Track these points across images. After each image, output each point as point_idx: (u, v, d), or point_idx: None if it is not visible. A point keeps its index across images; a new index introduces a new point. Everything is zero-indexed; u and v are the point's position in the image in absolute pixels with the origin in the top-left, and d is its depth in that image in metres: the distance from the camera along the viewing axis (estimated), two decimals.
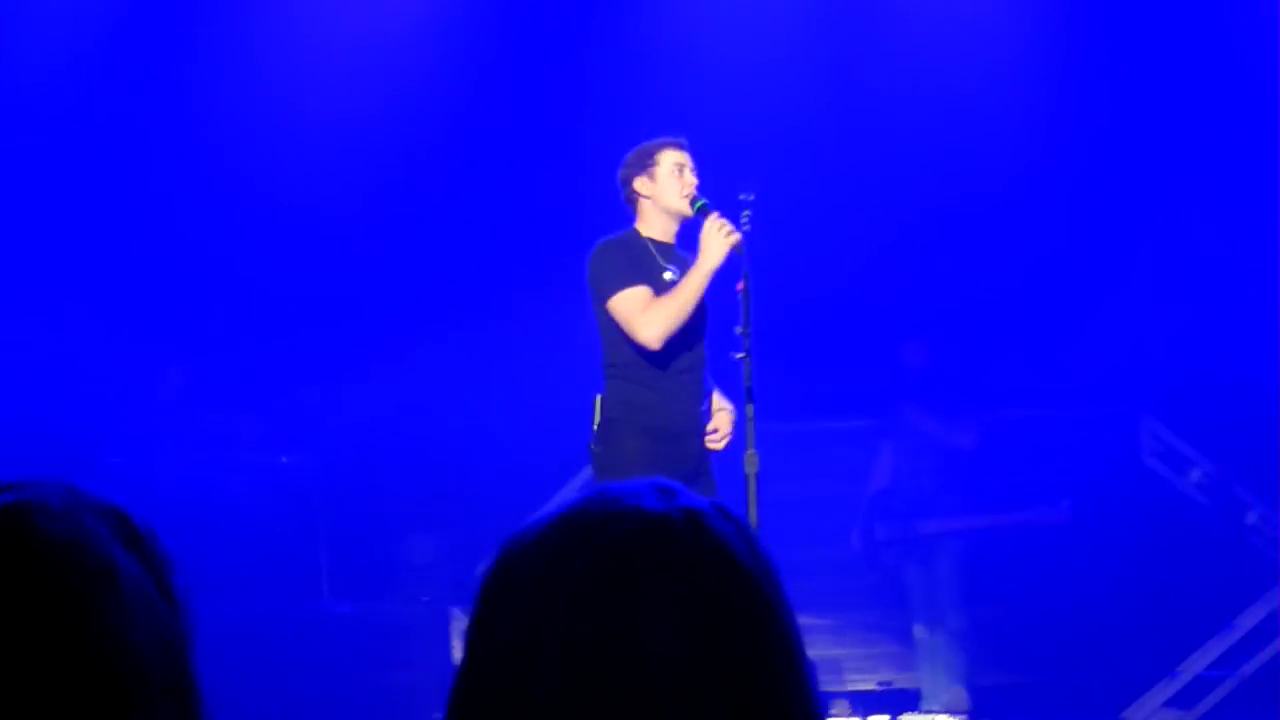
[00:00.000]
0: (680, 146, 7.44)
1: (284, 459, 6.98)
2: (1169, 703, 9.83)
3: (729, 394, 7.46)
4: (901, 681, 10.17)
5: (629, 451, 7.23)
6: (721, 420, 7.41)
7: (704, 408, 7.40)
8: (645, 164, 7.40)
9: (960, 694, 9.86)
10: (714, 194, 7.38)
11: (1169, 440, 10.74)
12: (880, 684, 10.25)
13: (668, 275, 7.33)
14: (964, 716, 9.82)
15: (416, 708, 9.62)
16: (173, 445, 10.55)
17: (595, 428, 7.36)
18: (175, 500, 9.95)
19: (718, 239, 7.13)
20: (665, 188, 7.36)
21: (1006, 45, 11.26)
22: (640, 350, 7.24)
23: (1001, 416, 10.42)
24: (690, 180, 7.37)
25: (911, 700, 9.97)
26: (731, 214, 7.25)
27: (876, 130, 11.19)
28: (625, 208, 7.49)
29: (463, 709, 1.64)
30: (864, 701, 10.09)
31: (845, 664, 10.13)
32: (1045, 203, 11.15)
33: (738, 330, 7.16)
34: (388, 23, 11.33)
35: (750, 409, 7.12)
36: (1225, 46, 11.15)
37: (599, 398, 7.40)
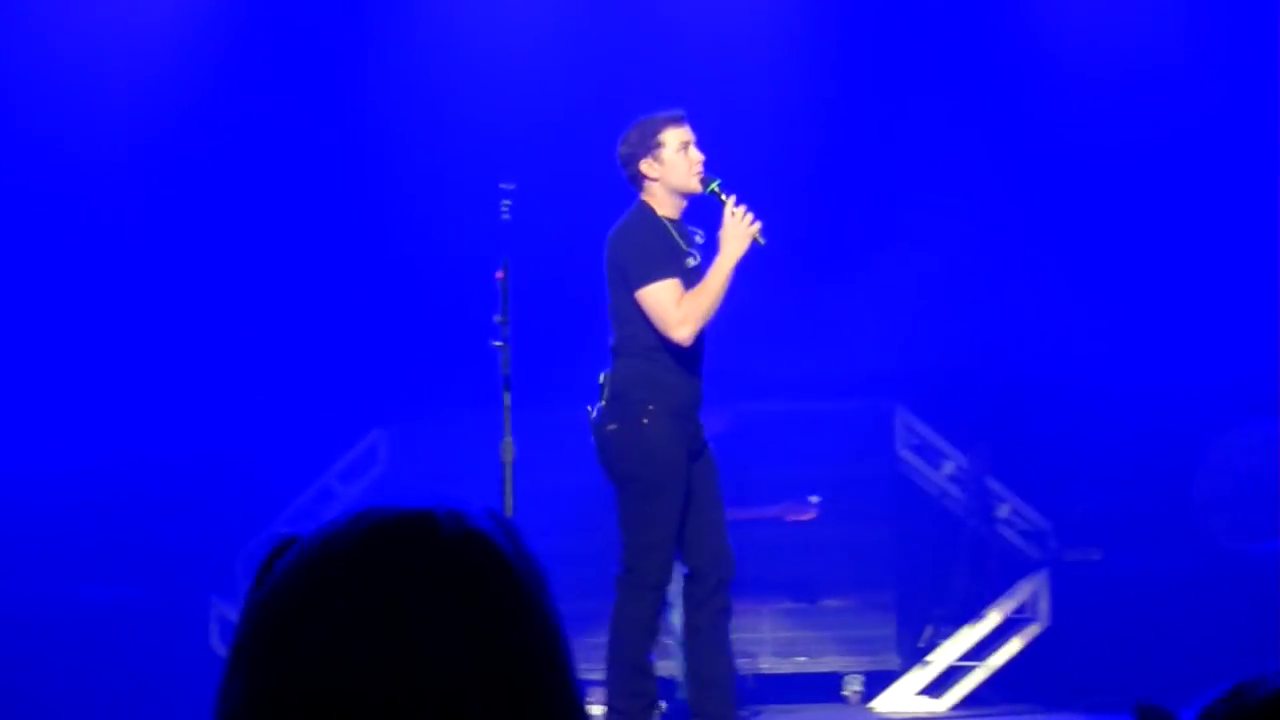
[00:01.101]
0: (681, 121, 7.36)
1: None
2: (921, 692, 9.99)
3: (489, 382, 7.43)
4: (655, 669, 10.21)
5: (663, 434, 7.32)
6: None
7: (702, 387, 7.58)
8: (649, 145, 7.31)
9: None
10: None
11: (922, 433, 10.91)
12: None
13: (690, 261, 7.36)
14: None
15: (175, 694, 9.47)
16: None
17: (604, 406, 7.38)
18: None
19: (741, 229, 7.19)
20: (674, 168, 7.30)
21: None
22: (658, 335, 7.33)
23: (754, 409, 10.49)
24: (697, 157, 7.31)
25: (665, 688, 10.02)
26: (726, 191, 7.30)
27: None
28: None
29: (232, 708, 1.62)
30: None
31: (596, 652, 10.14)
32: (795, 195, 11.21)
33: (496, 319, 7.17)
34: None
35: (507, 397, 7.13)
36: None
37: (606, 375, 7.38)
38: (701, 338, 7.41)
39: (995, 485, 10.80)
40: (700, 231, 7.45)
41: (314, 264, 11.29)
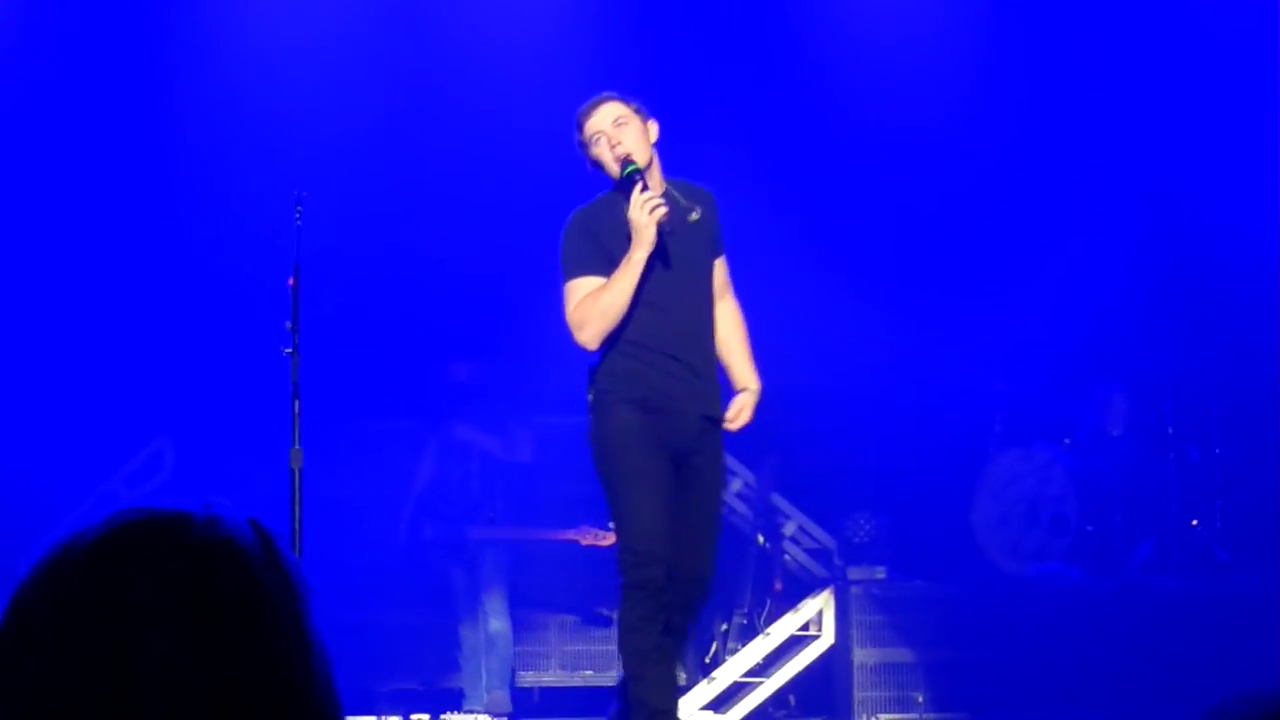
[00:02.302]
0: (590, 113, 7.06)
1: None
2: (706, 707, 10.05)
3: (278, 388, 7.33)
4: (444, 682, 10.19)
5: (620, 424, 6.94)
6: (739, 402, 7.19)
7: (706, 380, 7.06)
8: (581, 140, 7.08)
9: (502, 697, 9.93)
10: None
11: None
12: (422, 684, 10.25)
13: (693, 216, 7.07)
14: (505, 718, 9.89)
15: None
16: None
17: (589, 402, 7.07)
18: None
19: (643, 219, 6.80)
20: (603, 159, 7.02)
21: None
22: (622, 322, 6.95)
23: (554, 423, 10.49)
24: (613, 145, 6.97)
25: (454, 700, 10.00)
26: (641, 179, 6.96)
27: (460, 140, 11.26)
28: None
29: None
30: (405, 700, 10.07)
31: (387, 664, 10.10)
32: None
33: (287, 325, 7.10)
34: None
35: (296, 404, 7.06)
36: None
37: (590, 369, 7.10)
38: (684, 328, 7.01)
39: (782, 503, 10.91)
40: (696, 208, 7.12)
41: (103, 267, 11.13)
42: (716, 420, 7.10)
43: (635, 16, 11.45)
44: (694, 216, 7.11)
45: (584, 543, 9.96)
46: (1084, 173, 11.78)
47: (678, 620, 7.12)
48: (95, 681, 1.55)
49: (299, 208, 7.14)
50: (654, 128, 7.13)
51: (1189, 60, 11.59)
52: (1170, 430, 11.35)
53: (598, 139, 7.03)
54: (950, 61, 11.36)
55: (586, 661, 10.50)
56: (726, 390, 7.22)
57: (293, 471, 6.99)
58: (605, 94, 7.13)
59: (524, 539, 10.05)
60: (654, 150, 7.11)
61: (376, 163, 11.16)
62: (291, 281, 7.11)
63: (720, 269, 7.28)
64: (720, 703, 10.05)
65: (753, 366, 7.32)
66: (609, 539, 9.84)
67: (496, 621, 9.91)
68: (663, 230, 6.89)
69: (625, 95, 7.15)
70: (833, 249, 11.33)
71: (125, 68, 11.26)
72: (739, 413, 7.18)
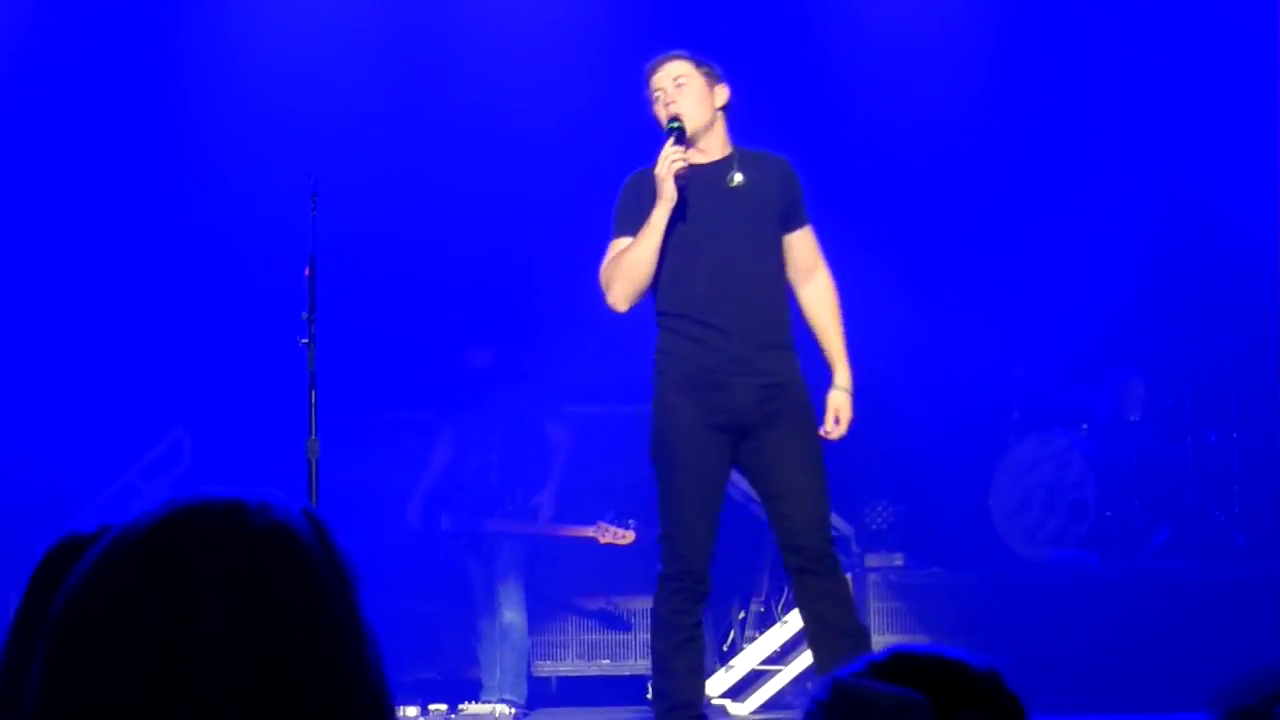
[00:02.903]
0: (654, 70, 6.98)
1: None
2: (724, 695, 10.06)
3: (294, 379, 7.33)
4: (462, 672, 10.20)
5: (665, 408, 6.86)
6: (830, 405, 7.04)
7: (758, 346, 6.86)
8: (647, 97, 7.02)
9: (518, 688, 9.95)
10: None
11: None
12: (440, 674, 10.26)
13: (735, 180, 6.93)
14: (521, 708, 9.90)
15: None
16: None
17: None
18: None
19: (660, 172, 6.74)
20: (659, 117, 6.96)
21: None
22: (660, 296, 6.88)
23: (567, 412, 10.48)
24: (668, 104, 6.91)
25: (473, 690, 10.01)
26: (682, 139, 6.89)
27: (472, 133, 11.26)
28: None
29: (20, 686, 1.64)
30: (423, 690, 10.09)
31: (406, 654, 10.10)
32: (584, 201, 11.23)
33: (303, 316, 7.10)
34: None
35: (313, 395, 7.05)
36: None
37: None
38: (728, 299, 6.85)
39: None
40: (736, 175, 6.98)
41: (120, 260, 11.14)
42: (783, 386, 6.89)
43: (652, 7, 11.44)
44: (735, 181, 6.98)
45: (602, 541, 9.87)
46: (1097, 161, 11.77)
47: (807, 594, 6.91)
48: (151, 662, 1.57)
49: (314, 197, 7.14)
50: (722, 91, 7.00)
51: (1196, 50, 11.57)
52: (1187, 415, 11.34)
53: (657, 96, 6.97)
54: (962, 55, 11.37)
55: (604, 651, 10.51)
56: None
57: (309, 462, 7.00)
58: (674, 51, 7.03)
59: (540, 535, 10.02)
60: (720, 114, 7.01)
61: (390, 151, 11.17)
62: (307, 272, 7.11)
63: (799, 242, 7.07)
64: (738, 690, 10.06)
65: (842, 356, 7.09)
66: (628, 537, 9.81)
67: (511, 613, 9.90)
68: (684, 190, 6.81)
69: (698, 55, 7.04)
70: (851, 240, 11.31)
71: (139, 62, 11.28)
72: (832, 417, 7.01)
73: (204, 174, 11.21)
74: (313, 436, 7.03)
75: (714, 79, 7.01)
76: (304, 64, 11.15)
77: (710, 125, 6.99)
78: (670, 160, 6.77)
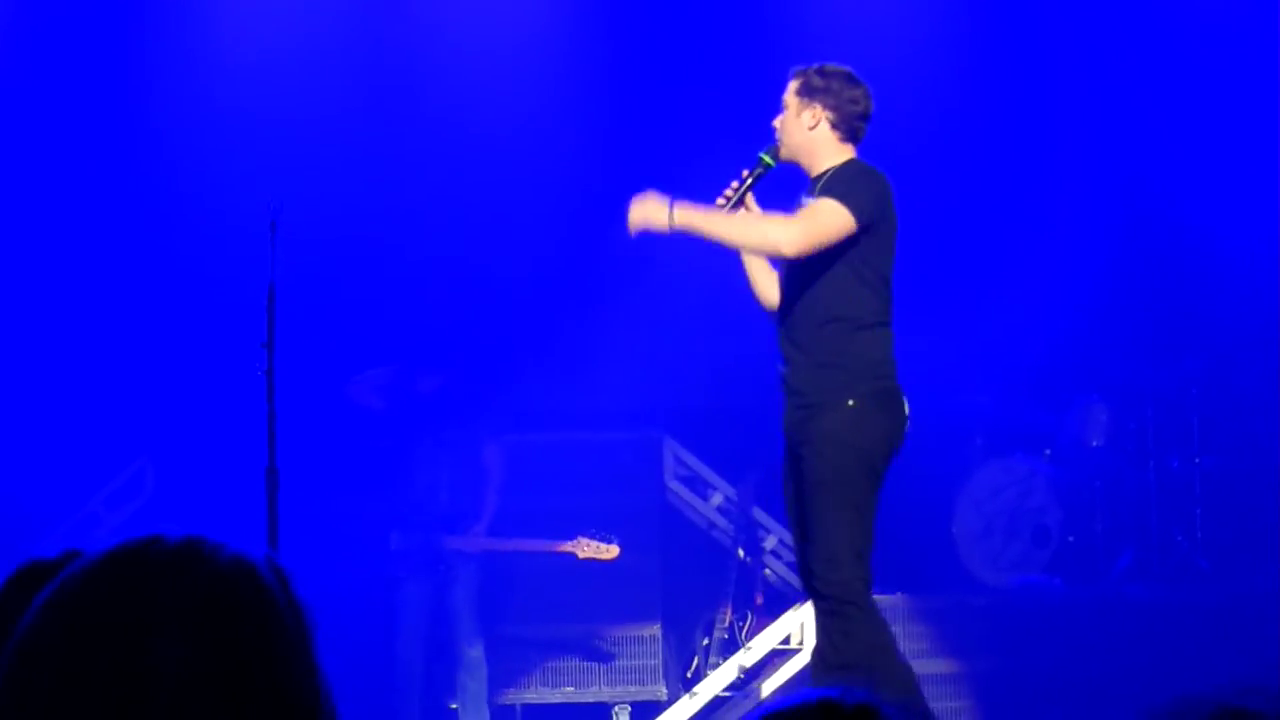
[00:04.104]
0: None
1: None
2: None
3: (255, 408, 7.30)
4: (427, 702, 10.15)
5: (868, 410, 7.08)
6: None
7: (793, 366, 7.01)
8: None
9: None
10: None
11: (691, 464, 10.98)
12: (405, 703, 10.21)
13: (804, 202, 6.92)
14: None
15: None
16: None
17: None
18: None
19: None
20: None
21: None
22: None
23: (524, 440, 10.47)
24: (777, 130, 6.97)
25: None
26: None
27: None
28: None
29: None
30: None
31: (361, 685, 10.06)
32: (562, 228, 11.22)
33: (262, 345, 7.07)
34: None
35: (272, 425, 7.02)
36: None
37: None
38: (783, 310, 7.04)
39: (763, 517, 10.90)
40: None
41: (78, 288, 11.11)
42: (812, 407, 6.97)
43: (606, 19, 11.45)
44: (804, 202, 6.95)
45: (581, 555, 9.81)
46: (1061, 183, 11.80)
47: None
48: (106, 690, 1.60)
49: (274, 225, 7.12)
50: (813, 112, 6.89)
51: (1162, 73, 11.61)
52: (1150, 440, 11.37)
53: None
54: (922, 69, 11.37)
55: (568, 678, 10.49)
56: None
57: (269, 492, 6.98)
58: (793, 68, 7.01)
59: (510, 550, 9.97)
60: (813, 135, 6.91)
61: (347, 179, 11.14)
62: (266, 300, 7.09)
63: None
64: (702, 717, 10.04)
65: (722, 212, 6.91)
66: (611, 550, 9.75)
67: (469, 641, 9.87)
68: None
69: (804, 69, 6.98)
70: None
71: (96, 87, 11.24)
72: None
73: (165, 202, 11.19)
74: (272, 465, 7.01)
75: (807, 99, 6.93)
76: (263, 91, 11.13)
77: (803, 149, 6.95)
78: (729, 190, 6.84)
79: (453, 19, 11.53)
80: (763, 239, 6.86)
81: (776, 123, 6.95)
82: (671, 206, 6.75)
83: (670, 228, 6.76)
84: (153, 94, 11.25)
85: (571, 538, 9.76)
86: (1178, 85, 11.58)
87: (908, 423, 7.13)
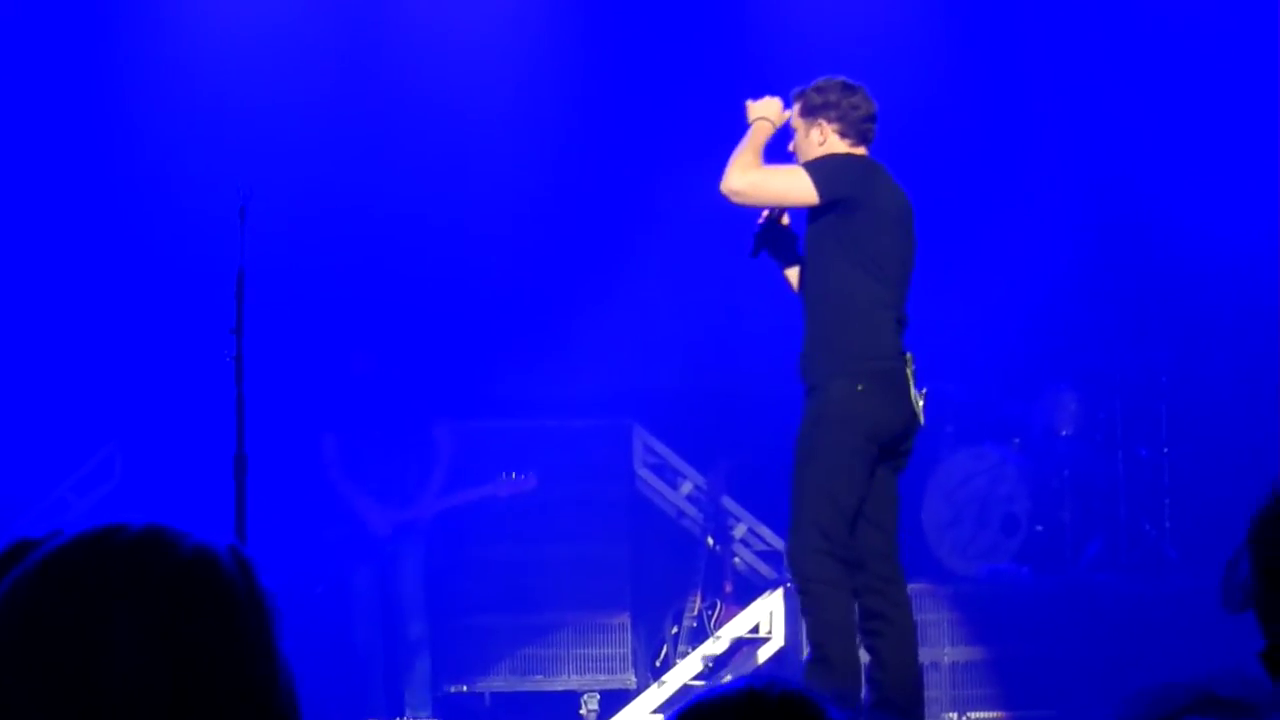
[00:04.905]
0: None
1: None
2: (657, 710, 10.05)
3: (224, 395, 7.28)
4: (377, 690, 10.15)
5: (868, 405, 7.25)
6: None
7: (803, 355, 7.26)
8: None
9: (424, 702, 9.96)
10: None
11: (660, 452, 10.98)
12: (353, 691, 10.21)
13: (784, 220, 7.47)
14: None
15: None
16: None
17: None
18: None
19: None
20: None
21: None
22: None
23: (492, 427, 10.48)
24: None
25: (395, 708, 10.00)
26: None
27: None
28: None
29: None
30: (339, 712, 10.03)
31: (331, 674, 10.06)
32: (532, 214, 11.21)
33: (230, 331, 7.07)
34: None
35: (240, 411, 7.02)
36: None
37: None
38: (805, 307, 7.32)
39: (732, 505, 10.91)
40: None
41: (46, 275, 11.08)
42: (808, 389, 7.22)
43: (582, 15, 11.44)
44: (784, 221, 7.36)
45: (503, 493, 10.02)
46: (1031, 173, 11.81)
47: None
48: (64, 677, 1.60)
49: (243, 211, 7.11)
50: (820, 129, 7.19)
51: (1133, 61, 11.63)
52: (1119, 429, 11.39)
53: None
54: (894, 60, 11.37)
55: (537, 666, 10.49)
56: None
57: (237, 478, 6.97)
58: (792, 92, 7.27)
59: (444, 507, 10.03)
60: (824, 151, 7.17)
61: (320, 163, 11.11)
62: (235, 286, 7.08)
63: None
64: (671, 706, 10.05)
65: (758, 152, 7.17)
66: (530, 483, 9.95)
67: (415, 623, 9.91)
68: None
69: (801, 91, 7.26)
70: None
71: (64, 75, 11.20)
72: None
73: (134, 188, 11.15)
74: (240, 451, 7.00)
75: (811, 118, 7.22)
76: (232, 77, 11.10)
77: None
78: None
79: (421, 3, 11.52)
80: (726, 168, 7.11)
81: (791, 147, 7.21)
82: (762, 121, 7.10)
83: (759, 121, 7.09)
84: (121, 81, 11.21)
85: (490, 483, 9.85)
86: (1147, 76, 11.59)
87: (914, 405, 7.16)
